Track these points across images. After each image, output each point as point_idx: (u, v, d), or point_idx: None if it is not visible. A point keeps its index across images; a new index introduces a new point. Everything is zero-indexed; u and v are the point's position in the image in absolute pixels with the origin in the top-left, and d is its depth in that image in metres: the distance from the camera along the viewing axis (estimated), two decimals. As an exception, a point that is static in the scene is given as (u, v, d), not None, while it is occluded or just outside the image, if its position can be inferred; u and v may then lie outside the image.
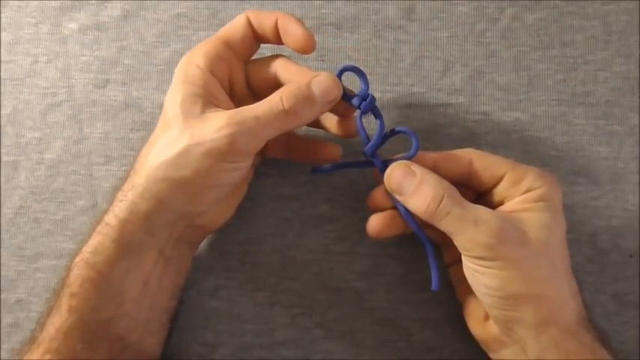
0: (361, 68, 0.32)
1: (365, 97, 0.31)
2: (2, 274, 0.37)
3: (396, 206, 0.32)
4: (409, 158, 0.31)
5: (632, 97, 0.38)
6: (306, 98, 0.29)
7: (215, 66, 0.31)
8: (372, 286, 0.37)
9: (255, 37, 0.32)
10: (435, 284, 0.32)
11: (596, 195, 0.37)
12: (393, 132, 0.32)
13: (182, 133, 0.29)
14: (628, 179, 0.37)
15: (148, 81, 0.38)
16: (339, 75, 0.31)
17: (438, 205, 0.29)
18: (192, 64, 0.30)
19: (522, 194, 0.30)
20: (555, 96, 0.38)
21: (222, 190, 0.31)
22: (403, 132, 0.32)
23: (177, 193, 0.29)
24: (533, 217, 0.29)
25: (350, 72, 0.32)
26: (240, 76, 0.33)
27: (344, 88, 0.31)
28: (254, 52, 0.33)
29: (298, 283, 0.37)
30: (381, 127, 0.32)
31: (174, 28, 0.39)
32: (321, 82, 0.30)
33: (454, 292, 0.35)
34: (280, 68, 0.32)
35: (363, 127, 0.32)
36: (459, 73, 0.38)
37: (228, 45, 0.31)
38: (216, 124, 0.28)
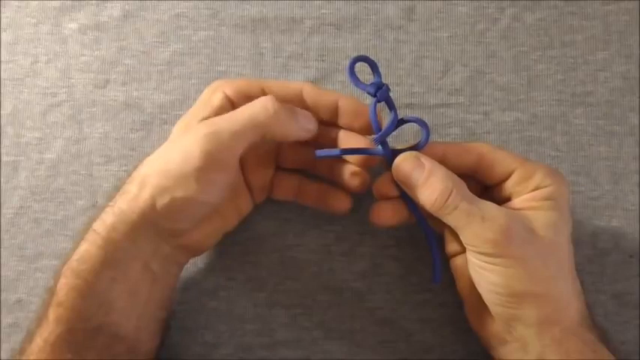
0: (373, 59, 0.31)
1: (380, 85, 0.30)
2: (2, 274, 0.37)
3: (401, 195, 0.32)
4: (419, 149, 0.31)
5: (632, 97, 0.38)
6: (288, 108, 0.30)
7: (239, 101, 0.31)
8: (372, 287, 0.37)
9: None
10: (437, 277, 0.32)
11: (596, 195, 0.37)
12: (403, 120, 0.31)
13: (174, 146, 0.30)
14: (628, 179, 0.37)
15: (148, 81, 0.38)
16: (352, 65, 0.30)
17: (446, 200, 0.28)
18: (219, 88, 0.32)
19: (530, 192, 0.30)
20: (555, 96, 0.38)
21: (201, 208, 0.30)
22: (414, 121, 0.31)
23: (158, 204, 0.29)
24: (541, 216, 0.29)
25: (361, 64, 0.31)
26: None
27: (358, 79, 0.30)
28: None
29: (298, 283, 0.37)
30: (395, 116, 0.31)
31: (174, 28, 0.39)
32: (304, 111, 0.31)
33: (454, 292, 0.34)
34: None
35: (376, 116, 0.31)
36: (459, 73, 0.38)
37: (263, 90, 0.32)
38: (194, 132, 0.29)
